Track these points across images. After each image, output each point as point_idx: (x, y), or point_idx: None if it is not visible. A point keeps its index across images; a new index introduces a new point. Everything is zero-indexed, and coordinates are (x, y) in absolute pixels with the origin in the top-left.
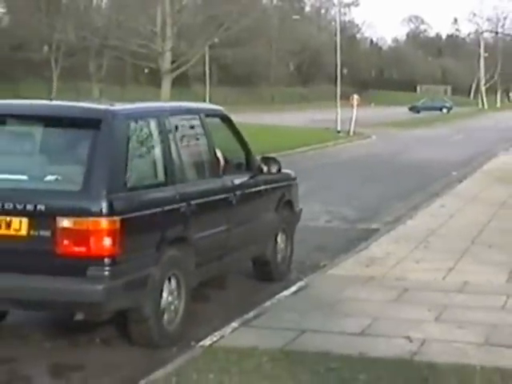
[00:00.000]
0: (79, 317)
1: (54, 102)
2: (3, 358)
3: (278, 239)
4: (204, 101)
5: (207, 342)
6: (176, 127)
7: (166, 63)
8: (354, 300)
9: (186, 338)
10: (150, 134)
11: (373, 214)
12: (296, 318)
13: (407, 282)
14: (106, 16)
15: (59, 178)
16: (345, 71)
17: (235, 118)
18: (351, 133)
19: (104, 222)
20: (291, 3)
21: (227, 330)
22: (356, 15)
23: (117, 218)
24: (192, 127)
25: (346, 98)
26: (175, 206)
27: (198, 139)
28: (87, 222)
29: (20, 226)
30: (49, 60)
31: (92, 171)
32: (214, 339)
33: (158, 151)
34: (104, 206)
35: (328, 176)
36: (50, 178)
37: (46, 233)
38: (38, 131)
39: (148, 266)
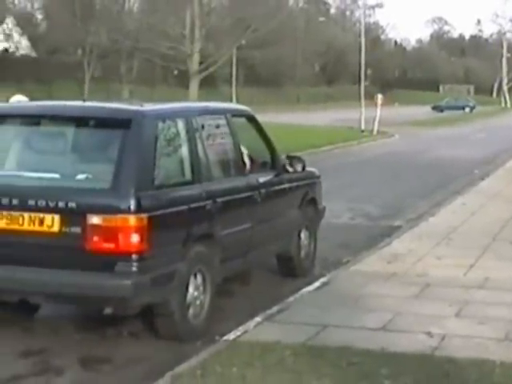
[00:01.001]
0: (108, 311)
1: (87, 103)
2: (35, 349)
3: (302, 236)
4: (231, 101)
5: (231, 336)
6: (203, 127)
7: (194, 65)
8: (376, 296)
9: (210, 332)
10: (178, 134)
11: (395, 212)
12: (318, 313)
13: (429, 278)
14: (137, 19)
15: (90, 176)
16: (369, 71)
17: (261, 117)
18: (375, 132)
19: (132, 219)
20: (317, 5)
21: (251, 324)
22: (381, 17)
23: (144, 215)
24: (218, 127)
25: (370, 97)
26: (201, 203)
27: (224, 138)
28: (116, 219)
29: (52, 222)
30: (82, 62)
31: (121, 170)
32: (238, 333)
33: (185, 150)
34: (132, 203)
35: (352, 174)
36: (81, 176)
37: (77, 229)
38: (70, 131)
39: (174, 262)
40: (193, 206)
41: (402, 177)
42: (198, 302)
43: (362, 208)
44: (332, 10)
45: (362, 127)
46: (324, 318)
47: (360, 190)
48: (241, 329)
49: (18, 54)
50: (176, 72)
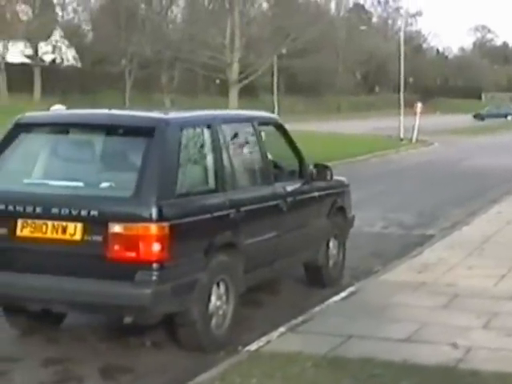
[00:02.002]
0: (128, 320)
1: (111, 111)
2: (58, 358)
3: (330, 245)
4: (272, 110)
5: (253, 346)
6: (228, 135)
7: (233, 74)
8: (403, 306)
9: (234, 342)
10: (202, 142)
11: (430, 220)
12: (343, 323)
13: (458, 289)
14: (179, 30)
15: (113, 184)
16: (410, 80)
17: (302, 126)
18: (414, 140)
19: (153, 228)
20: (359, 14)
21: (274, 334)
22: (423, 25)
23: (166, 224)
24: (244, 135)
25: (410, 106)
26: (225, 212)
27: (250, 147)
28: (137, 228)
29: (75, 230)
30: (130, 73)
31: (143, 178)
32: (261, 344)
33: (209, 158)
34: (153, 211)
35: (388, 182)
36: (104, 184)
37: (99, 238)
38: (95, 139)
39: (196, 271)
40: (216, 214)
41: (439, 185)
42: (220, 312)
43: (397, 217)
44: (374, 19)
45: (401, 136)
46: (348, 329)
47: (396, 199)
48: (264, 339)
49: (64, 64)
50: (218, 81)
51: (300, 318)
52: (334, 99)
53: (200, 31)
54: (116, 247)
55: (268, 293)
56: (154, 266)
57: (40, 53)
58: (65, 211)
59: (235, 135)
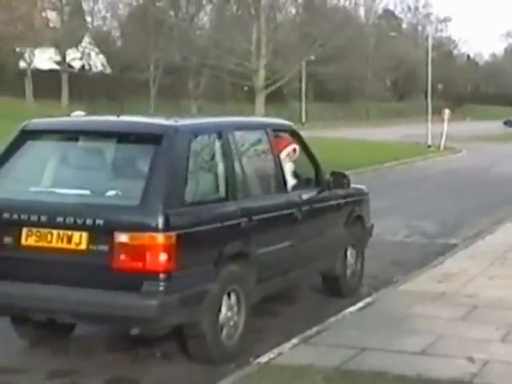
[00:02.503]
0: (135, 332)
1: (119, 118)
2: (65, 369)
3: (348, 254)
4: (300, 117)
5: (264, 358)
6: (240, 142)
7: (259, 80)
8: (421, 317)
9: (247, 353)
10: (212, 149)
11: (454, 229)
12: (358, 335)
13: (478, 299)
14: (205, 36)
15: (120, 192)
16: (440, 86)
17: (331, 133)
18: (441, 147)
19: (160, 238)
20: (388, 21)
21: (286, 346)
22: (453, 31)
23: (173, 234)
24: (257, 142)
25: (439, 112)
26: (235, 221)
27: (263, 154)
28: (143, 237)
29: (80, 240)
30: (154, 79)
31: (150, 186)
32: (271, 356)
33: (219, 166)
34: (160, 221)
35: (414, 190)
36: (111, 192)
37: (105, 247)
38: (101, 146)
39: (205, 282)
40: (226, 223)
41: (465, 193)
42: (231, 323)
43: (420, 225)
44: (404, 25)
45: (429, 143)
46: (363, 341)
47: (420, 207)
48: (275, 351)
49: (93, 71)
50: (246, 88)
51: (314, 329)
52: (363, 106)
53: (226, 38)
54: (122, 257)
55: (284, 302)
56: (161, 276)
57: (69, 59)
58: (70, 220)
59: (248, 142)
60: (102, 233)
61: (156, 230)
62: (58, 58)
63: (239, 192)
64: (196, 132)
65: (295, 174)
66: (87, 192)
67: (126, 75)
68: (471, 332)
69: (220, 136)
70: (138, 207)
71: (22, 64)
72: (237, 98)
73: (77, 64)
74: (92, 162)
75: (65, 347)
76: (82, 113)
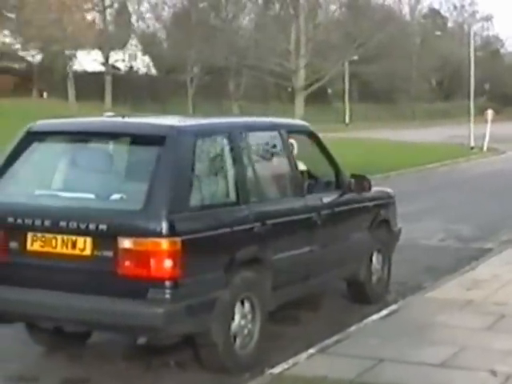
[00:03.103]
0: (141, 341)
1: (122, 119)
2: (79, 377)
3: (374, 260)
4: (344, 117)
5: (278, 369)
6: (250, 143)
7: (299, 81)
8: (446, 326)
9: (264, 362)
10: (220, 151)
11: (491, 233)
12: (378, 344)
13: (507, 308)
14: (246, 37)
15: (123, 196)
16: (487, 86)
17: (374, 134)
18: (484, 148)
19: (164, 243)
20: (434, 20)
21: (303, 356)
22: (500, 30)
23: (178, 239)
24: (270, 144)
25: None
26: (248, 226)
27: (276, 156)
28: (147, 243)
29: (84, 245)
30: (192, 80)
31: (154, 190)
32: (286, 366)
33: (228, 169)
34: (164, 226)
35: (454, 192)
36: (114, 196)
37: (109, 253)
38: (106, 148)
39: (215, 289)
40: (237, 228)
41: (506, 196)
42: (245, 332)
43: (457, 229)
44: (449, 24)
45: (472, 144)
46: (382, 351)
47: (458, 210)
48: (291, 361)
49: (137, 72)
50: (290, 89)
51: (334, 338)
52: (408, 106)
53: (266, 37)
54: (126, 263)
55: (307, 308)
56: (167, 283)
57: (113, 61)
58: (73, 225)
59: (259, 144)
60: (105, 238)
61: (160, 235)
62: (103, 60)
63: (251, 196)
64: (201, 133)
65: (313, 177)
66: (91, 195)
67: (170, 76)
68: (496, 343)
69: (228, 137)
70: (141, 211)
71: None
72: (280, 99)
73: (122, 65)
74: (96, 164)
75: (80, 354)
76: (111, 113)
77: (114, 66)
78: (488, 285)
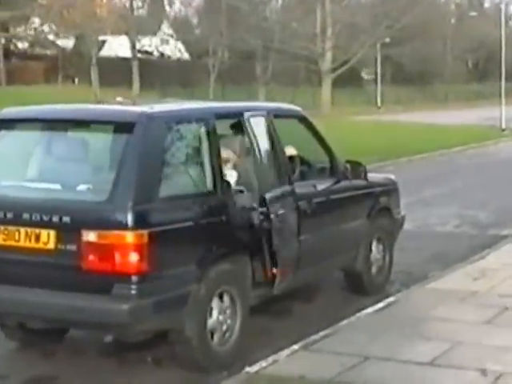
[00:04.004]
0: (108, 338)
1: (92, 106)
2: (47, 375)
3: (373, 249)
4: (375, 100)
5: (256, 367)
6: (230, 130)
7: (326, 64)
8: (442, 320)
9: (247, 358)
10: (195, 138)
11: (509, 220)
12: (366, 340)
13: (511, 300)
14: (273, 20)
15: (89, 187)
16: None
17: (406, 117)
18: None
19: (129, 236)
20: (470, 0)
21: (285, 353)
22: None
23: (144, 231)
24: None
25: None
26: (225, 216)
27: (259, 143)
28: (111, 236)
29: (48, 238)
30: (214, 66)
31: (120, 180)
32: (264, 364)
33: (204, 157)
34: (129, 217)
35: (477, 176)
36: (80, 187)
37: (73, 247)
38: (73, 136)
39: (188, 284)
40: (213, 219)
41: None
42: (224, 327)
43: (474, 214)
44: (486, 5)
45: (503, 126)
46: (369, 348)
47: (479, 194)
48: (271, 359)
49: (166, 58)
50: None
51: (321, 333)
52: (441, 89)
53: (292, 20)
54: (91, 257)
55: (301, 300)
56: (133, 278)
57: (146, 46)
58: (36, 217)
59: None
60: (69, 231)
61: (125, 227)
62: (135, 46)
63: (229, 185)
64: (173, 119)
65: (306, 163)
66: (58, 186)
67: (200, 61)
68: (493, 339)
69: (204, 123)
70: (105, 203)
71: (102, 52)
72: (310, 82)
73: (154, 51)
74: (64, 153)
75: (54, 350)
76: (121, 99)
77: (146, 52)
78: (496, 274)
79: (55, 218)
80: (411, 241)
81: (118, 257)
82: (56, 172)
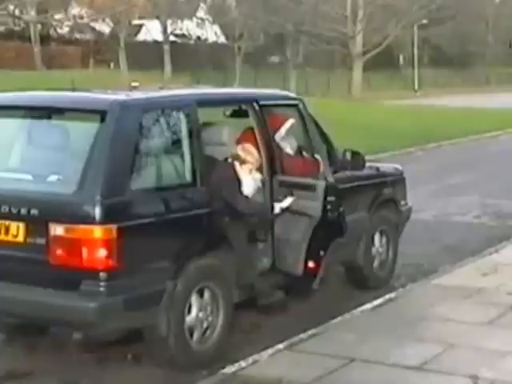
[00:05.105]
0: (77, 336)
1: (67, 93)
2: (21, 371)
3: (376, 242)
4: (412, 84)
5: (234, 368)
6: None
7: (357, 47)
8: (441, 319)
9: (230, 358)
10: (174, 128)
11: None
12: (354, 341)
13: None
14: (304, 2)
15: (59, 178)
16: None
17: (443, 100)
18: None
19: (97, 230)
20: None
21: (268, 353)
22: None
23: (113, 226)
24: (238, 118)
25: None
26: (205, 209)
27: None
28: (79, 230)
29: (17, 231)
30: (254, 47)
31: (88, 171)
32: (244, 365)
33: (183, 147)
34: (97, 211)
35: (506, 164)
36: (51, 178)
37: (41, 240)
38: (44, 125)
39: (162, 280)
40: (191, 212)
41: None
42: (204, 325)
43: (497, 204)
44: None
45: None
46: (357, 349)
47: (504, 184)
48: (251, 359)
49: (208, 41)
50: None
51: (310, 332)
52: (482, 71)
53: (323, 2)
54: (58, 252)
55: (298, 296)
56: (101, 275)
57: (179, 30)
58: (5, 209)
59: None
60: (37, 224)
61: (92, 221)
62: (166, 29)
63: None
64: (149, 107)
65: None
66: (28, 176)
67: (234, 45)
68: (491, 341)
69: (184, 112)
70: (73, 195)
71: (139, 36)
72: (346, 65)
73: (189, 34)
74: (34, 142)
75: (36, 344)
76: (137, 83)
77: (183, 35)
78: (508, 270)
79: (23, 211)
80: (426, 231)
81: (85, 252)
82: (27, 162)
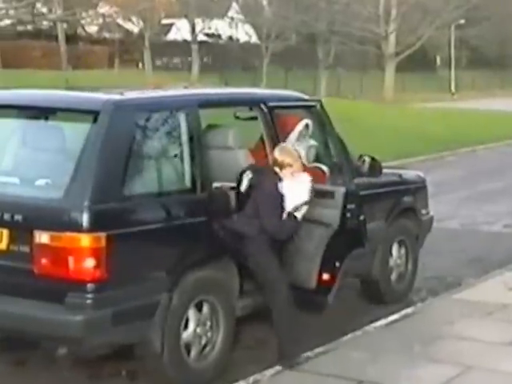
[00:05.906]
0: (62, 351)
1: (59, 92)
2: None
3: (394, 253)
4: (449, 86)
5: None
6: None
7: (389, 47)
8: (459, 338)
9: (232, 376)
10: (172, 130)
11: None
12: (365, 361)
13: None
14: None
15: (48, 182)
16: None
17: (482, 104)
18: None
19: (85, 239)
20: None
21: (269, 372)
22: None
23: (102, 234)
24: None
25: None
26: (204, 217)
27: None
28: (65, 238)
29: (1, 238)
30: (290, 49)
31: (77, 175)
32: None
33: (183, 151)
34: (85, 218)
35: None
36: (39, 182)
37: (25, 248)
38: (33, 125)
39: (155, 292)
40: (190, 220)
41: None
42: (203, 341)
43: None
44: None
45: None
46: (366, 370)
47: None
48: (252, 378)
49: (240, 41)
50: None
51: (316, 350)
52: None
53: (355, 1)
54: (43, 261)
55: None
56: (88, 286)
57: (208, 29)
58: None
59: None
60: (22, 231)
61: (80, 229)
62: (194, 29)
63: (211, 183)
64: (144, 108)
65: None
66: (15, 180)
67: (263, 45)
68: (510, 363)
69: (182, 113)
70: (60, 200)
71: (169, 35)
72: (380, 66)
73: (220, 34)
74: (23, 143)
75: (27, 358)
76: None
77: (214, 35)
78: None
79: (7, 216)
80: (451, 242)
81: (71, 262)
82: (15, 164)
